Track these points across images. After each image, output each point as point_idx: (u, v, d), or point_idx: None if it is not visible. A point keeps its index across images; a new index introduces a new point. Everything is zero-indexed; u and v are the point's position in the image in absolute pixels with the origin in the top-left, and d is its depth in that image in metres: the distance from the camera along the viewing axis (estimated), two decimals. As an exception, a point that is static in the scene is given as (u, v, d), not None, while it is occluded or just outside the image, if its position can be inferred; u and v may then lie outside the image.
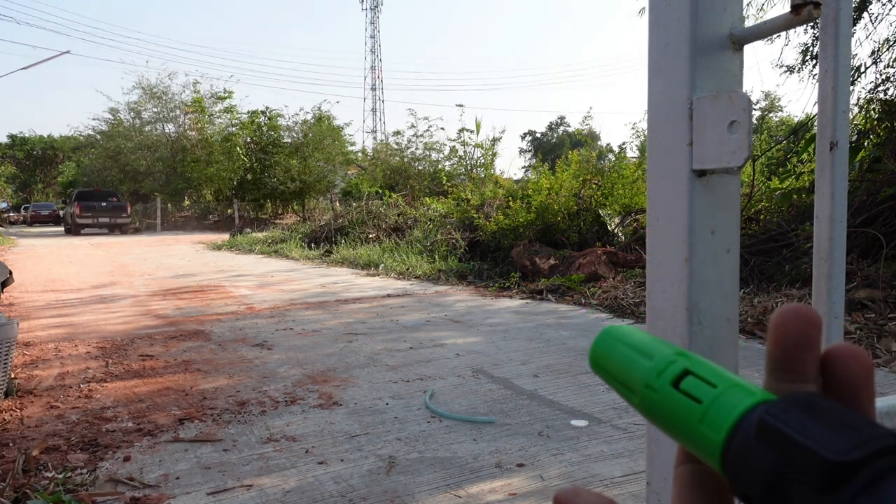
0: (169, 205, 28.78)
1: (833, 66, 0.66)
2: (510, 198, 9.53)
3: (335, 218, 13.80)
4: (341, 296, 6.65)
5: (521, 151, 56.70)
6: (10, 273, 4.34)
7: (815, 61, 6.33)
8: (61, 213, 31.94)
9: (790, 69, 6.82)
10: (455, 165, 19.19)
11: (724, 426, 0.28)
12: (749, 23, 1.24)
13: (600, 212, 8.60)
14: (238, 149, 26.42)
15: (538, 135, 56.94)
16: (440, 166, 21.32)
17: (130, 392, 3.31)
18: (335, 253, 10.91)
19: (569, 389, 3.21)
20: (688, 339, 0.64)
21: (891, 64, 5.93)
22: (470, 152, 17.52)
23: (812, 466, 0.24)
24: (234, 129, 27.41)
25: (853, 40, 5.69)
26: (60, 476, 2.25)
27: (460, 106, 17.18)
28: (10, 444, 2.57)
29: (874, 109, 6.07)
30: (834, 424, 0.25)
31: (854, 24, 5.81)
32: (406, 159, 23.07)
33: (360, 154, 30.29)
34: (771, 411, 0.26)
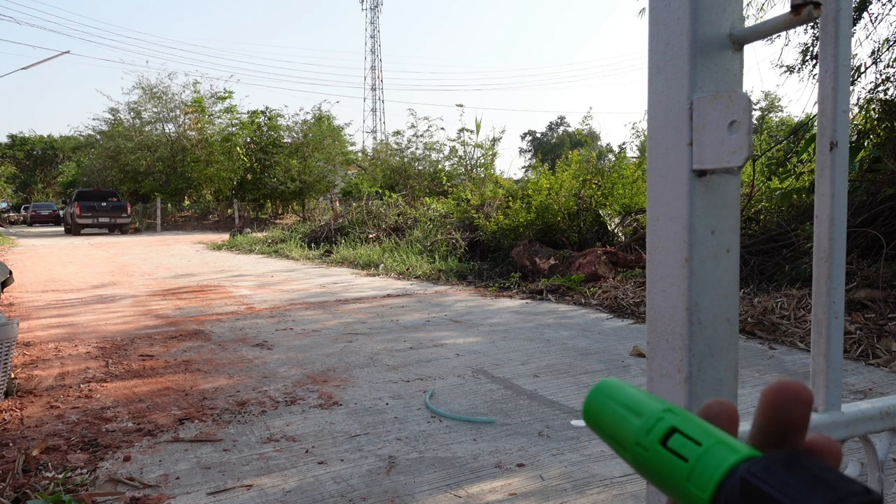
0: (169, 205, 28.78)
1: (833, 66, 0.66)
2: (510, 198, 9.53)
3: (335, 218, 13.80)
4: (341, 296, 6.65)
5: (521, 151, 56.68)
6: (10, 273, 4.34)
7: (815, 61, 6.34)
8: (61, 213, 31.96)
9: (790, 69, 6.82)
10: (455, 165, 19.19)
11: (710, 485, 0.29)
12: (749, 23, 1.24)
13: (600, 212, 8.60)
14: (238, 149, 26.43)
15: (538, 135, 56.92)
16: (440, 166, 21.32)
17: (130, 392, 3.31)
18: (335, 253, 10.91)
19: (569, 389, 3.21)
20: (688, 339, 0.64)
21: (891, 64, 5.93)
22: (470, 152, 17.51)
23: None
24: (234, 129, 27.42)
25: (853, 40, 5.69)
26: (60, 476, 2.25)
27: (460, 106, 17.16)
28: (10, 444, 2.57)
29: (874, 109, 6.06)
30: (813, 482, 0.26)
31: (854, 24, 5.81)
32: (406, 159, 23.07)
33: (360, 154, 30.29)
34: (752, 470, 0.27)
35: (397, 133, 24.28)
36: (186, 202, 29.99)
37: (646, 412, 0.33)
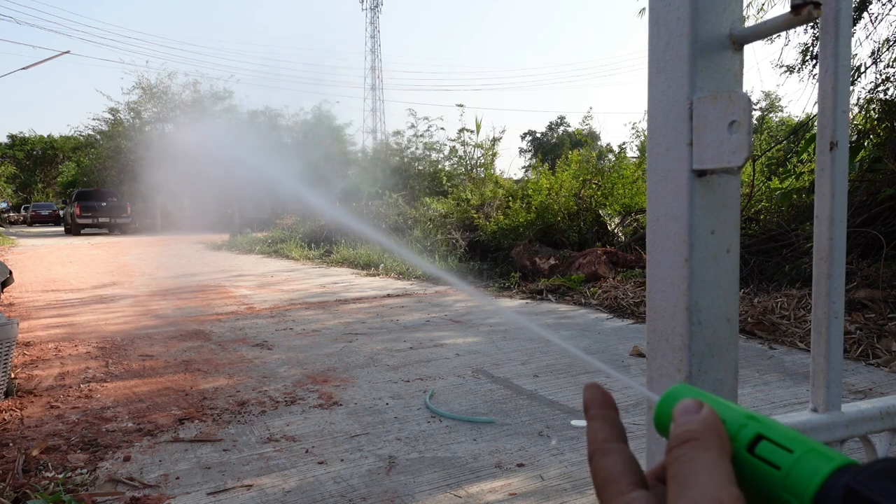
0: (169, 204, 28.77)
1: (833, 66, 0.66)
2: (510, 198, 9.52)
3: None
4: (341, 296, 6.64)
5: (521, 151, 56.57)
6: (11, 273, 4.34)
7: (815, 61, 6.33)
8: (61, 213, 31.98)
9: (790, 69, 6.82)
10: (455, 165, 19.16)
11: (808, 493, 0.28)
12: (749, 23, 1.24)
13: (600, 212, 8.61)
14: (238, 149, 26.38)
15: (538, 135, 56.84)
16: (440, 166, 21.29)
17: (130, 392, 3.31)
18: (335, 253, 10.91)
19: (569, 389, 3.21)
20: (688, 338, 0.64)
21: (891, 64, 5.93)
22: (470, 152, 17.49)
23: None
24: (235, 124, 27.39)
25: (853, 40, 5.69)
26: (60, 476, 2.25)
27: (460, 106, 17.14)
28: (10, 444, 2.57)
29: (874, 109, 6.06)
30: None
31: (854, 24, 5.81)
32: (406, 159, 23.04)
33: (360, 154, 30.28)
34: (859, 479, 0.27)
35: (397, 133, 24.25)
36: (186, 202, 29.97)
37: (727, 418, 0.32)
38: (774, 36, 5.72)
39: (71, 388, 3.39)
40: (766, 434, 0.31)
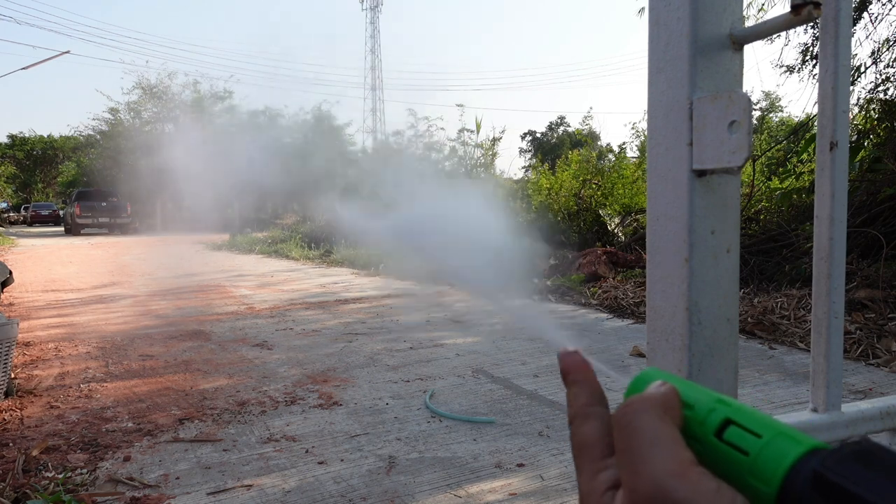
0: (169, 204, 28.76)
1: (833, 66, 0.66)
2: (510, 198, 9.52)
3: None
4: (341, 296, 6.64)
5: (521, 151, 56.50)
6: (11, 273, 4.34)
7: (815, 61, 6.33)
8: (61, 213, 31.99)
9: (790, 69, 6.82)
10: (455, 165, 19.15)
11: (775, 479, 0.27)
12: (749, 23, 1.24)
13: (600, 212, 8.61)
14: (238, 149, 26.34)
15: (538, 135, 56.80)
16: (440, 166, 21.26)
17: (130, 392, 3.31)
18: (335, 253, 10.90)
19: (569, 389, 3.21)
20: (688, 338, 0.64)
21: (891, 64, 5.93)
22: (470, 152, 17.49)
23: None
24: (234, 129, 27.37)
25: (853, 40, 5.68)
26: (60, 476, 2.25)
27: (460, 106, 17.15)
28: (10, 444, 2.57)
29: (874, 109, 6.06)
30: (892, 475, 0.24)
31: (854, 24, 5.81)
32: (406, 159, 23.01)
33: (360, 154, 30.25)
34: (827, 463, 0.26)
35: (397, 133, 24.23)
36: (186, 202, 29.96)
37: (696, 403, 0.31)
38: (774, 36, 5.72)
39: (71, 388, 3.39)
40: (734, 418, 0.30)
